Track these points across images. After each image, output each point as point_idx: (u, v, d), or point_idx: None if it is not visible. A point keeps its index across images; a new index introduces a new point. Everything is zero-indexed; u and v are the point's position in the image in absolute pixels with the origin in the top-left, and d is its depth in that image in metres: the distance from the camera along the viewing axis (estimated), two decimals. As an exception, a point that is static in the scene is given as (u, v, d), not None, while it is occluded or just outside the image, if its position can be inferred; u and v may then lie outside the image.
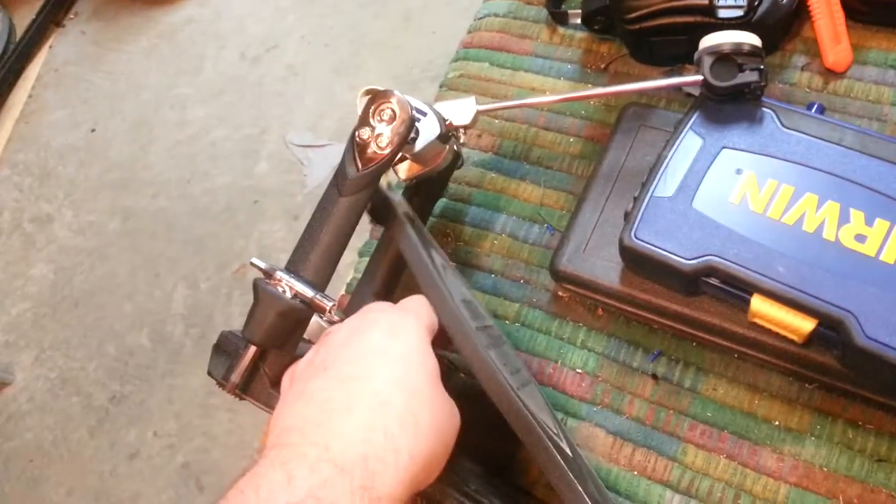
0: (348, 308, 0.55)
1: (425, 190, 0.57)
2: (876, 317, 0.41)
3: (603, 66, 0.64)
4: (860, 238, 0.43)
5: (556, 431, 0.43)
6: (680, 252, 0.46)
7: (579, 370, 0.54)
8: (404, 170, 0.54)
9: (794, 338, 0.45)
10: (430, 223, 0.62)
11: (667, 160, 0.49)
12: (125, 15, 2.11)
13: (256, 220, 1.69)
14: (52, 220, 1.83)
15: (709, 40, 0.48)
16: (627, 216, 0.49)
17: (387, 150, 0.45)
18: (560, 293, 0.57)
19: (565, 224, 0.56)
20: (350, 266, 0.65)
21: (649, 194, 0.48)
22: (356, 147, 0.45)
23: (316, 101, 1.83)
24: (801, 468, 0.47)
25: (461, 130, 0.54)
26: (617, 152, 0.56)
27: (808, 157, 0.46)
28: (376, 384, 0.37)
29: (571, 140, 0.62)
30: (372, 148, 0.45)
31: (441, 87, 0.70)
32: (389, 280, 0.54)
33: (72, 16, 2.15)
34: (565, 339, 0.55)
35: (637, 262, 0.49)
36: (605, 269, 0.52)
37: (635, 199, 0.49)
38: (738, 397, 0.50)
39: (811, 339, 0.45)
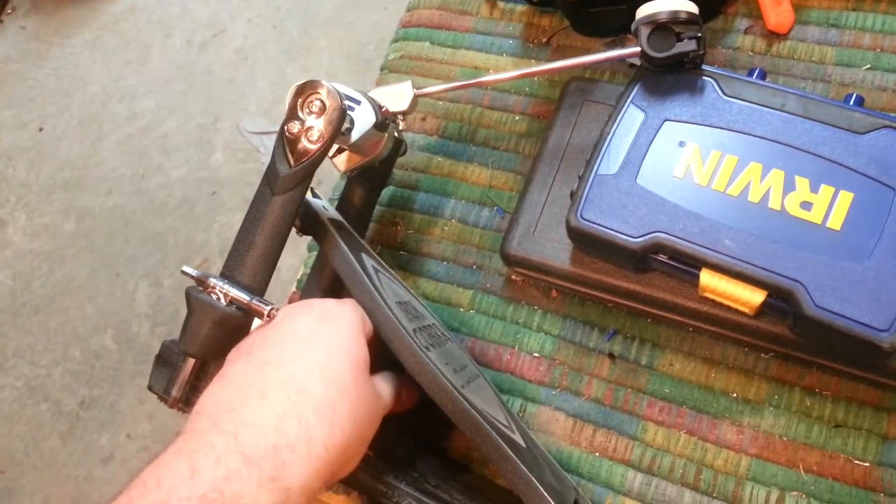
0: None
1: (368, 180, 0.56)
2: (824, 285, 0.41)
3: (545, 39, 0.62)
4: (806, 206, 0.43)
5: (506, 424, 0.42)
6: (627, 230, 0.45)
7: (536, 354, 0.53)
8: (343, 161, 0.53)
9: (745, 310, 0.44)
10: (378, 212, 0.60)
11: (609, 136, 0.48)
12: (65, 7, 2.04)
13: (216, 212, 1.66)
14: (6, 224, 1.78)
15: (645, 10, 0.47)
16: (573, 196, 0.48)
17: (318, 144, 0.43)
18: (513, 277, 0.56)
19: (514, 206, 0.55)
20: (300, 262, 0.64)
21: (594, 173, 0.47)
22: (286, 142, 0.43)
23: (268, 85, 1.79)
24: (761, 439, 0.47)
25: (399, 117, 0.53)
26: (561, 129, 0.55)
27: (751, 125, 0.45)
28: (293, 370, 0.36)
29: (517, 118, 0.61)
30: (303, 142, 0.43)
31: (382, 69, 0.68)
32: (338, 275, 0.52)
33: (9, 11, 2.07)
34: (521, 324, 0.54)
35: (585, 242, 0.48)
36: (556, 251, 0.51)
37: (580, 177, 0.48)
38: (695, 371, 0.50)
39: (762, 311, 0.44)
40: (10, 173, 1.84)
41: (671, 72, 0.48)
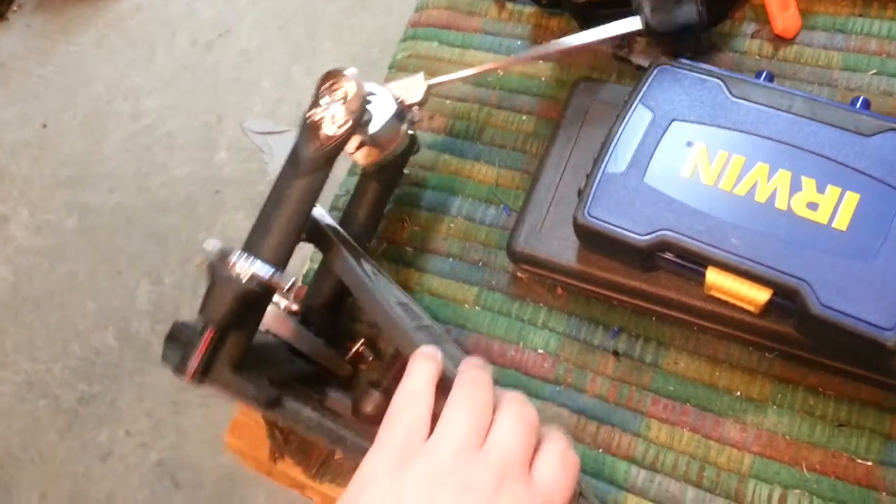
0: (305, 298, 0.54)
1: (383, 175, 0.56)
2: (830, 284, 0.41)
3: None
4: (812, 206, 0.43)
5: None
6: (634, 228, 0.46)
7: (541, 351, 0.53)
8: (362, 156, 0.53)
9: (751, 308, 0.45)
10: (386, 209, 0.61)
11: (617, 135, 0.48)
12: (72, 5, 2.05)
13: (218, 211, 1.66)
14: (8, 220, 1.78)
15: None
16: (581, 194, 0.48)
17: (341, 130, 0.44)
18: (519, 274, 0.56)
19: (521, 204, 0.55)
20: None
21: (601, 171, 0.48)
22: (309, 127, 0.44)
23: (273, 86, 1.80)
24: (764, 437, 0.47)
25: (414, 109, 0.53)
26: (569, 129, 0.55)
27: (758, 126, 0.46)
28: None
29: (524, 118, 0.61)
30: (326, 128, 0.44)
31: (390, 68, 0.68)
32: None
33: (15, 8, 2.08)
34: (526, 321, 0.55)
35: (592, 239, 0.49)
36: (562, 248, 0.52)
37: (588, 176, 0.48)
38: (699, 370, 0.50)
39: (767, 310, 0.45)
40: (13, 169, 1.84)
41: (675, 42, 0.48)
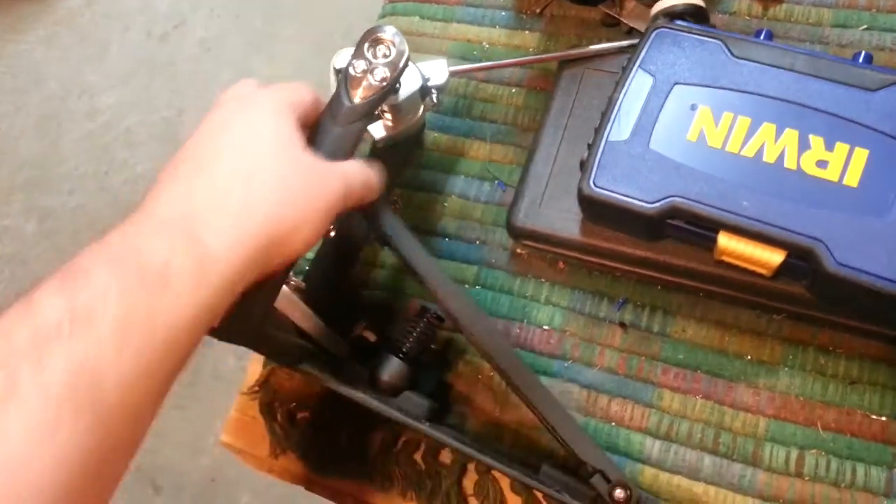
0: (306, 280, 0.52)
1: (398, 155, 0.56)
2: (845, 242, 0.41)
3: (538, 10, 0.62)
4: (822, 164, 0.43)
5: None
6: (642, 196, 0.45)
7: (546, 327, 0.52)
8: (379, 128, 0.53)
9: (763, 271, 0.44)
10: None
11: (619, 102, 0.47)
12: (19, 2, 1.97)
13: (185, 207, 1.62)
14: (-37, 227, 1.71)
15: (661, 5, 0.48)
16: (584, 164, 0.47)
17: (382, 84, 0.45)
18: (518, 250, 0.55)
19: (516, 179, 0.54)
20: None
21: (604, 139, 0.47)
22: (350, 80, 0.45)
23: (232, 76, 1.75)
24: (778, 399, 0.47)
25: (433, 92, 0.53)
26: (563, 99, 0.54)
27: (762, 86, 0.45)
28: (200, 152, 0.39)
29: (513, 91, 0.60)
30: (367, 81, 0.45)
31: (371, 47, 0.66)
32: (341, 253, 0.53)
33: (-43, 7, 2.00)
34: (528, 297, 0.53)
35: (598, 210, 0.48)
36: (564, 221, 0.51)
37: (590, 146, 0.47)
38: (708, 336, 0.50)
39: (779, 272, 0.44)
40: (-35, 174, 1.77)
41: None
